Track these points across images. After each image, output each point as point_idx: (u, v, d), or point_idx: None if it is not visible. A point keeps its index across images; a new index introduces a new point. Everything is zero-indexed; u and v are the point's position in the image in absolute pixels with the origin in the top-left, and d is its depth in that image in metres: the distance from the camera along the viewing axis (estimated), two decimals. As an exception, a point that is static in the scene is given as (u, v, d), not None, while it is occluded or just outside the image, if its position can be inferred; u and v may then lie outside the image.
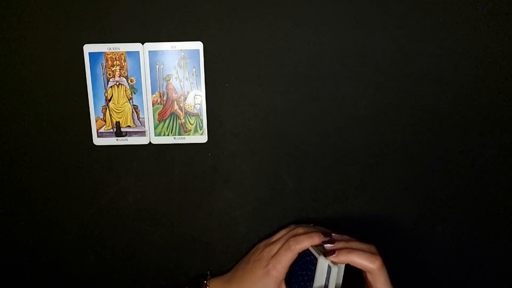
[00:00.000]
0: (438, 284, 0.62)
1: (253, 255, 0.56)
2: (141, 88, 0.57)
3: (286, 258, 0.51)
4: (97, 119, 0.58)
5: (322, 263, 0.48)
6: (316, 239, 0.52)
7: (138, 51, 0.56)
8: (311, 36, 0.56)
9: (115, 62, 0.56)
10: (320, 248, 0.51)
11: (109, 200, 0.60)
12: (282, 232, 0.57)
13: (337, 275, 0.48)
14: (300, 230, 0.54)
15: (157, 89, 0.57)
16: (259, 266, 0.53)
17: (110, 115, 0.57)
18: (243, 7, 0.55)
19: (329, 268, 0.48)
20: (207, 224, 0.61)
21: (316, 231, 0.54)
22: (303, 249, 0.51)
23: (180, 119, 0.58)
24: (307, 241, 0.51)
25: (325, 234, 0.53)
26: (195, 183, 0.60)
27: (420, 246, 0.61)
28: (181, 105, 0.57)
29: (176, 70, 0.56)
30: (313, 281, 0.48)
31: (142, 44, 0.56)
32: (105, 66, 0.56)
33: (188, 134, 0.58)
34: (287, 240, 0.53)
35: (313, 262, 0.49)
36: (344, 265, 0.48)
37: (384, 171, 0.59)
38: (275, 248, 0.53)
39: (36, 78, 0.57)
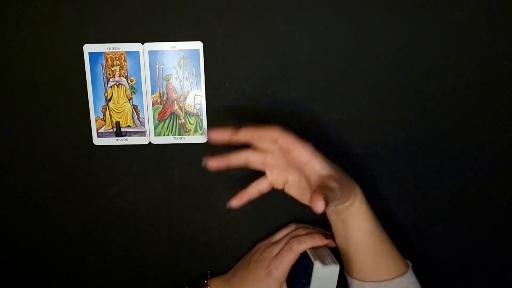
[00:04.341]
0: (438, 284, 0.62)
1: (254, 255, 0.56)
2: (141, 88, 0.57)
3: (288, 259, 0.51)
4: (97, 119, 0.58)
5: (318, 268, 0.48)
6: (317, 240, 0.52)
7: (138, 51, 0.56)
8: (311, 36, 0.56)
9: (115, 62, 0.56)
10: (317, 251, 0.51)
11: (109, 200, 0.60)
12: (283, 232, 0.57)
13: (332, 279, 0.49)
14: (301, 231, 0.55)
15: (157, 89, 0.57)
16: (260, 267, 0.53)
17: (110, 115, 0.57)
18: (243, 7, 0.55)
19: (324, 273, 0.48)
20: (207, 224, 0.61)
21: (317, 232, 0.54)
22: (305, 250, 0.51)
23: (180, 119, 0.58)
24: (309, 242, 0.52)
25: (326, 236, 0.53)
26: (195, 183, 0.60)
27: (420, 246, 0.61)
28: (181, 105, 0.57)
29: (176, 70, 0.56)
30: (309, 285, 0.49)
31: (142, 44, 0.56)
32: (105, 66, 0.56)
33: (188, 134, 0.58)
34: (289, 240, 0.53)
35: (310, 266, 0.49)
36: (338, 269, 0.49)
37: (384, 171, 0.59)
38: (276, 248, 0.53)
39: (36, 78, 0.57)
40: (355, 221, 0.49)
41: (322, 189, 0.43)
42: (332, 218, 0.52)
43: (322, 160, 0.47)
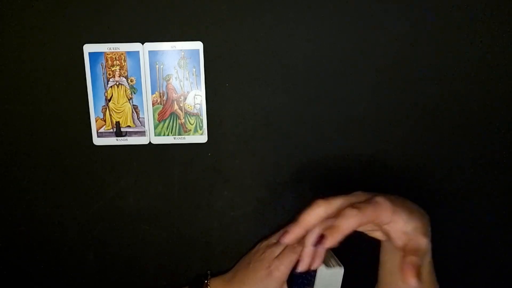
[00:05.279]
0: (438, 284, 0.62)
1: (255, 255, 0.55)
2: (141, 88, 0.57)
3: (290, 260, 0.51)
4: (97, 119, 0.58)
5: (322, 270, 0.48)
6: None
7: (138, 51, 0.56)
8: (311, 36, 0.56)
9: (115, 62, 0.56)
10: None
11: (109, 200, 0.60)
12: (284, 232, 0.57)
13: (336, 282, 0.48)
14: None
15: (157, 89, 0.57)
16: (261, 267, 0.53)
17: (110, 115, 0.57)
18: (243, 7, 0.55)
19: (328, 275, 0.48)
20: (207, 224, 0.61)
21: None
22: None
23: (180, 119, 0.58)
24: None
25: None
26: (195, 183, 0.60)
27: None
28: (181, 105, 0.57)
29: (176, 70, 0.56)
30: (313, 287, 0.49)
31: (142, 44, 0.56)
32: (105, 66, 0.56)
33: (188, 134, 0.58)
34: None
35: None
36: (343, 271, 0.49)
37: (384, 171, 0.59)
38: (277, 249, 0.53)
39: (36, 78, 0.57)
40: None
41: (411, 258, 0.39)
42: (390, 247, 0.46)
43: (403, 215, 0.41)
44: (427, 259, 0.44)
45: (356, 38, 0.56)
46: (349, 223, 0.39)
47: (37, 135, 0.58)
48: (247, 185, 0.60)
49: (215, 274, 0.60)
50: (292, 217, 0.60)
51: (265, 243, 0.57)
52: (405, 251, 0.41)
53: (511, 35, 0.55)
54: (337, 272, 0.49)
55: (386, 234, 0.43)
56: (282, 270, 0.51)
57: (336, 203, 0.42)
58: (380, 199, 0.41)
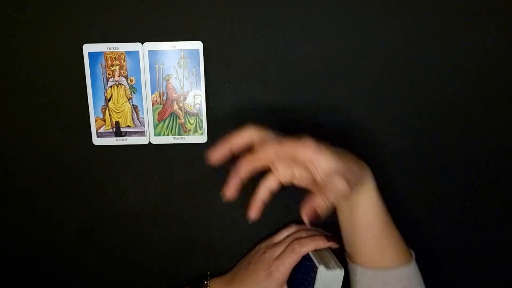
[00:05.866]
0: (438, 284, 0.62)
1: (255, 256, 0.55)
2: (141, 88, 0.57)
3: (290, 261, 0.51)
4: (96, 119, 0.57)
5: (322, 272, 0.48)
6: (320, 243, 0.52)
7: (138, 51, 0.56)
8: (311, 36, 0.55)
9: (114, 62, 0.56)
10: (320, 253, 0.51)
11: (109, 200, 0.60)
12: (284, 233, 0.57)
13: (336, 283, 0.49)
14: (303, 233, 0.55)
15: (156, 89, 0.57)
16: (261, 268, 0.53)
17: (110, 115, 0.57)
18: (243, 7, 0.55)
19: (328, 277, 0.48)
20: (207, 224, 0.61)
21: (319, 234, 0.54)
22: (307, 252, 0.51)
23: (180, 119, 0.58)
24: (311, 244, 0.52)
25: (328, 238, 0.53)
26: (195, 183, 0.60)
27: (420, 246, 0.61)
28: (181, 105, 0.57)
29: (176, 70, 0.56)
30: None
31: (142, 44, 0.56)
32: (105, 65, 0.56)
33: (188, 134, 0.58)
34: (291, 242, 0.53)
35: (313, 270, 0.49)
36: (343, 273, 0.49)
37: (383, 172, 0.59)
38: (278, 250, 0.53)
39: (36, 78, 0.57)
40: (363, 205, 0.47)
41: (317, 199, 0.42)
42: (341, 206, 0.49)
43: (327, 155, 0.42)
44: (360, 210, 0.47)
45: (356, 38, 0.55)
46: (267, 151, 0.43)
47: (37, 135, 0.58)
48: (247, 185, 0.60)
49: (215, 275, 0.60)
50: (292, 217, 0.60)
51: (265, 243, 0.57)
52: (322, 191, 0.42)
53: (511, 35, 0.55)
54: (337, 274, 0.49)
55: (313, 174, 0.43)
56: (282, 271, 0.51)
57: (265, 134, 0.46)
58: (304, 138, 0.43)
